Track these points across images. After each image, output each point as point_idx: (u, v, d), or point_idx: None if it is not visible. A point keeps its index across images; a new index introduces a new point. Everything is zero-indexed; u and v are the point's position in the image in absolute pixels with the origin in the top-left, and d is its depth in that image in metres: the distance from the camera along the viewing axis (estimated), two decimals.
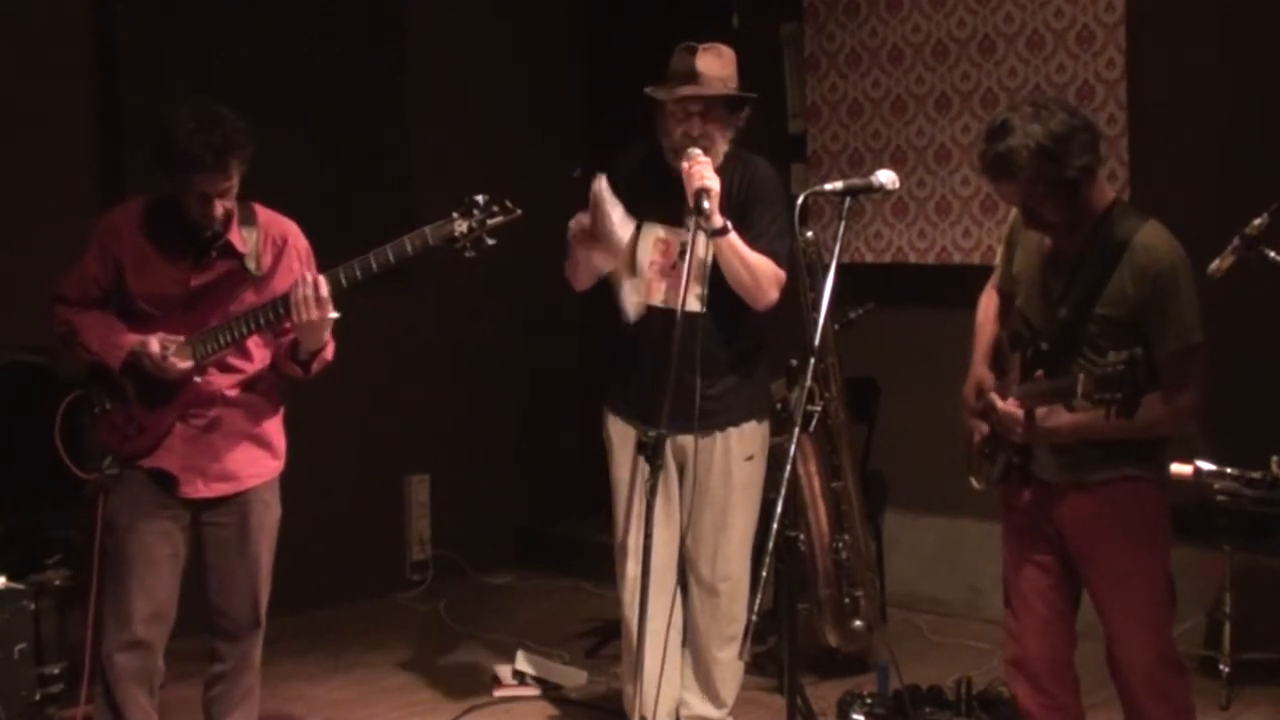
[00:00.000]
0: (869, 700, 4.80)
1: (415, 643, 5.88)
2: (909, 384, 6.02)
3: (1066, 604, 3.65)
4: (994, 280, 3.81)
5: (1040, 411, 3.41)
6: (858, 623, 5.26)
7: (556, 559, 6.88)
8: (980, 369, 3.71)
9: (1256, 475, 4.76)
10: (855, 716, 4.77)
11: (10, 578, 4.63)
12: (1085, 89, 5.61)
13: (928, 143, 6.04)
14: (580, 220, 4.30)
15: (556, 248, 4.53)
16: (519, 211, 3.84)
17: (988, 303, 3.81)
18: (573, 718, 5.06)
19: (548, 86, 7.07)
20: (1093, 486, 3.49)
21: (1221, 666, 4.96)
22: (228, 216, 3.89)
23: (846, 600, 5.25)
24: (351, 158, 6.29)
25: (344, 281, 3.82)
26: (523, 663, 5.37)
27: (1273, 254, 3.76)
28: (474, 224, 3.80)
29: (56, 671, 4.71)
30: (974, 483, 3.74)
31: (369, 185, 6.26)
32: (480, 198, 3.82)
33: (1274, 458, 4.73)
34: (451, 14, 6.72)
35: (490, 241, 3.82)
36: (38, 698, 4.63)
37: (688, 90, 4.25)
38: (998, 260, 3.80)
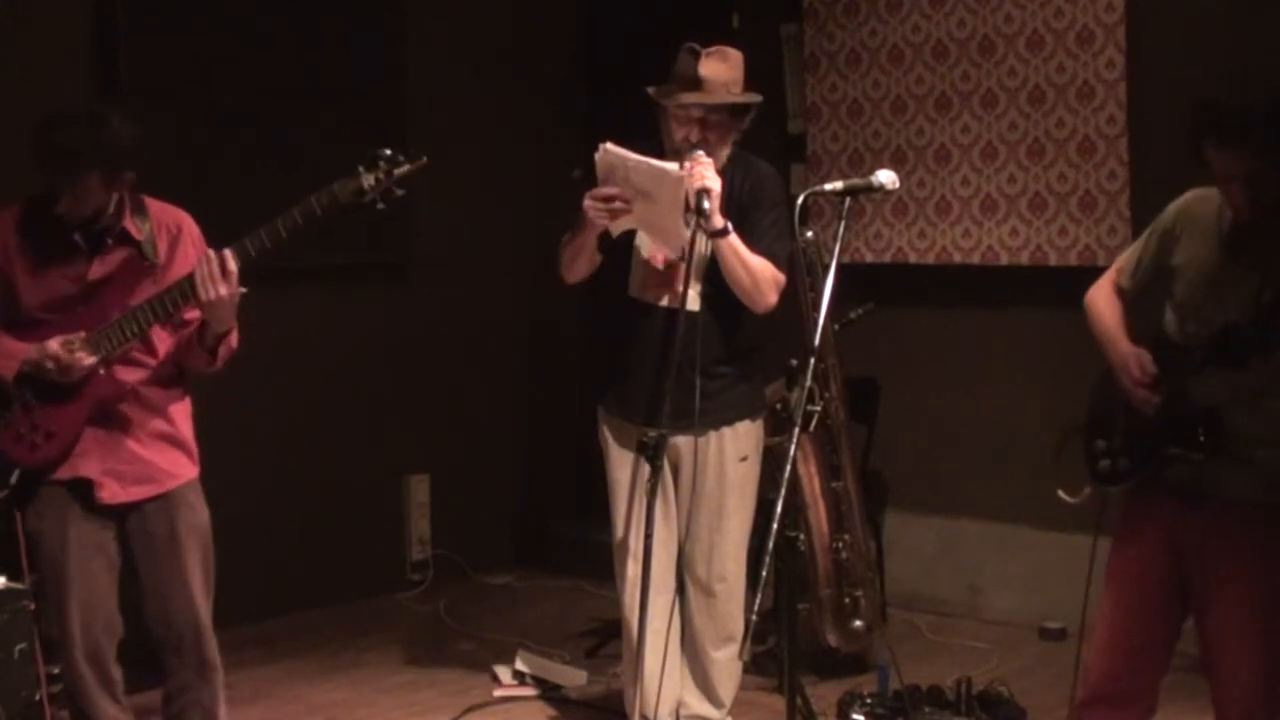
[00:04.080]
0: (869, 700, 4.80)
1: (415, 643, 5.88)
2: (909, 384, 6.03)
3: (1174, 631, 3.56)
4: (1115, 279, 3.64)
5: None
6: (858, 623, 5.26)
7: (556, 559, 6.88)
8: (1126, 344, 3.52)
9: None
10: (855, 716, 4.76)
11: (10, 578, 4.63)
12: (1085, 89, 5.61)
13: (928, 143, 6.04)
14: (601, 193, 4.13)
15: (556, 248, 4.53)
16: (425, 159, 3.76)
17: (1106, 294, 3.64)
18: (572, 718, 5.06)
19: (548, 86, 7.07)
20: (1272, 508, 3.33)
21: None
22: (97, 212, 3.79)
23: (846, 600, 5.25)
24: (352, 157, 6.26)
25: (252, 251, 3.72)
26: (522, 663, 5.37)
27: None
28: (380, 175, 3.72)
29: (56, 671, 4.71)
30: (1064, 497, 3.63)
31: None
32: (386, 150, 3.75)
33: None
34: (452, 14, 6.72)
35: (399, 192, 3.73)
36: (38, 698, 4.63)
37: (690, 98, 4.20)
38: (1126, 259, 3.64)
